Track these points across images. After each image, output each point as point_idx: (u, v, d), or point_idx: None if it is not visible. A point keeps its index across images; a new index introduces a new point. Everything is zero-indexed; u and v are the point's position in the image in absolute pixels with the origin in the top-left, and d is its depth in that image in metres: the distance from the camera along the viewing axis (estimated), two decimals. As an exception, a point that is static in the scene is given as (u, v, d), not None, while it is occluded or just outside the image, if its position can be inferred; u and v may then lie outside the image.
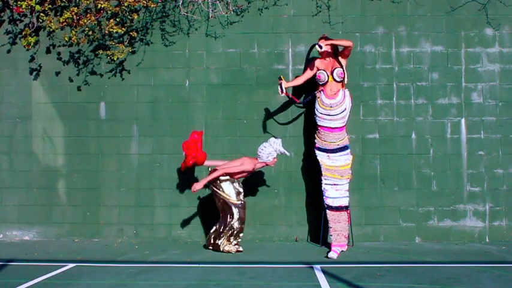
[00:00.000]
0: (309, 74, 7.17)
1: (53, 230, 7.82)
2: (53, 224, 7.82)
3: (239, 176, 6.96)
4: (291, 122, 7.70)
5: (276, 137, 7.05)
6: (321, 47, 6.79)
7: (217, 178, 6.85)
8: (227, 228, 6.84)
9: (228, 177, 6.87)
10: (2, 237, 7.85)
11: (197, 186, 6.83)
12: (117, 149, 7.83)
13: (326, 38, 6.94)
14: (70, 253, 6.86)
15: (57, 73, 7.86)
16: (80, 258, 6.55)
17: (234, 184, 6.89)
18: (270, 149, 6.89)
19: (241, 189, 6.95)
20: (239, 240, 6.91)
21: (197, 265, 6.15)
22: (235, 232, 6.85)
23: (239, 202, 6.87)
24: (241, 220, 6.87)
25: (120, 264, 6.24)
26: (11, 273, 5.81)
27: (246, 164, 6.89)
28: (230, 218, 6.84)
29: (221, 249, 6.84)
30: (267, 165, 7.00)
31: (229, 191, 6.86)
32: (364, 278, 5.49)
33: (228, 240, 6.85)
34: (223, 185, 6.85)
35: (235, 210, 6.83)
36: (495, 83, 7.69)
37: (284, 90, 7.01)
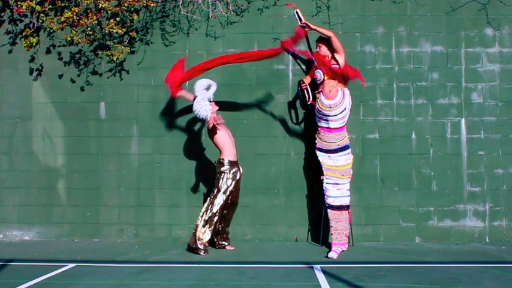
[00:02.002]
0: (311, 74, 7.21)
1: (53, 230, 7.82)
2: (53, 224, 7.82)
3: (226, 143, 6.87)
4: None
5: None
6: (299, 17, 6.95)
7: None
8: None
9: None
10: (2, 237, 7.85)
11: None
12: (117, 149, 7.83)
13: (300, 18, 7.03)
14: (70, 253, 6.86)
15: (60, 76, 7.84)
16: (80, 258, 6.55)
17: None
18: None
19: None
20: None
21: (197, 265, 6.14)
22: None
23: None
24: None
25: (120, 264, 6.24)
26: (11, 273, 5.82)
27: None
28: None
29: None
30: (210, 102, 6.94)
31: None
32: (364, 278, 5.49)
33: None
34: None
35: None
36: (495, 83, 7.69)
37: (311, 98, 7.06)
